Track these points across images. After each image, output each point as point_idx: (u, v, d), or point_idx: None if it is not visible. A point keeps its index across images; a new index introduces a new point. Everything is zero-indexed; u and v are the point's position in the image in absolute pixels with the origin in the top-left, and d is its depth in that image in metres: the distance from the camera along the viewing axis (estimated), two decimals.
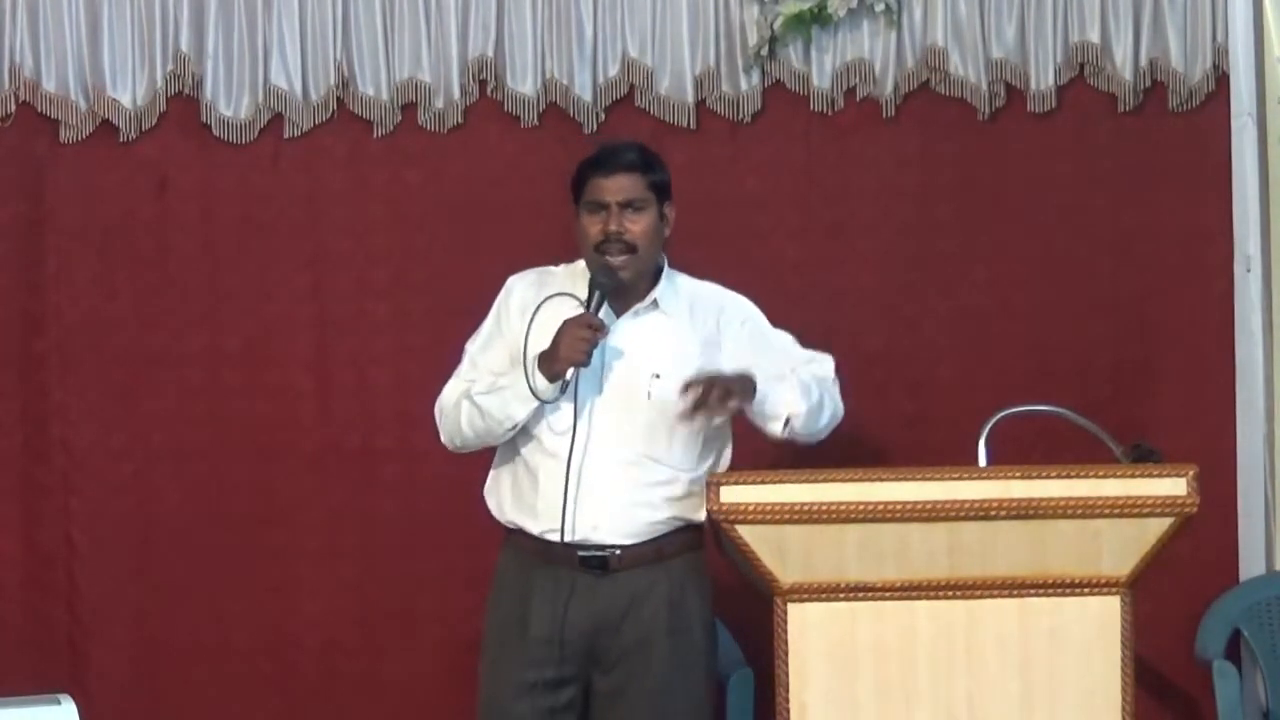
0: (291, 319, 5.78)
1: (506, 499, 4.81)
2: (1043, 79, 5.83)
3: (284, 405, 5.77)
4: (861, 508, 4.69)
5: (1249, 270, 5.83)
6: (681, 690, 4.78)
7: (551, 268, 4.88)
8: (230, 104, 5.73)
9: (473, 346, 4.87)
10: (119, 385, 5.77)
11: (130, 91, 5.71)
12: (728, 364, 4.77)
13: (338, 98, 5.75)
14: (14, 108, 5.70)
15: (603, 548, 4.72)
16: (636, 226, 4.72)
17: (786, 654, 4.73)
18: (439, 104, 5.76)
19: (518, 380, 4.68)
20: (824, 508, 4.68)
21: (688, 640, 4.79)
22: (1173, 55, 5.83)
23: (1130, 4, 5.82)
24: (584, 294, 4.70)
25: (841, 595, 4.73)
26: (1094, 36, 5.83)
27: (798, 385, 4.78)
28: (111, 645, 5.78)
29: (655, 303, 4.79)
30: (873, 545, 4.71)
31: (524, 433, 4.74)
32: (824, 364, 4.91)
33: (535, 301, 4.74)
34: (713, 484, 4.67)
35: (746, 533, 4.69)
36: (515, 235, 5.69)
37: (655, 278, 4.81)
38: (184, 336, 5.78)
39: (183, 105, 5.74)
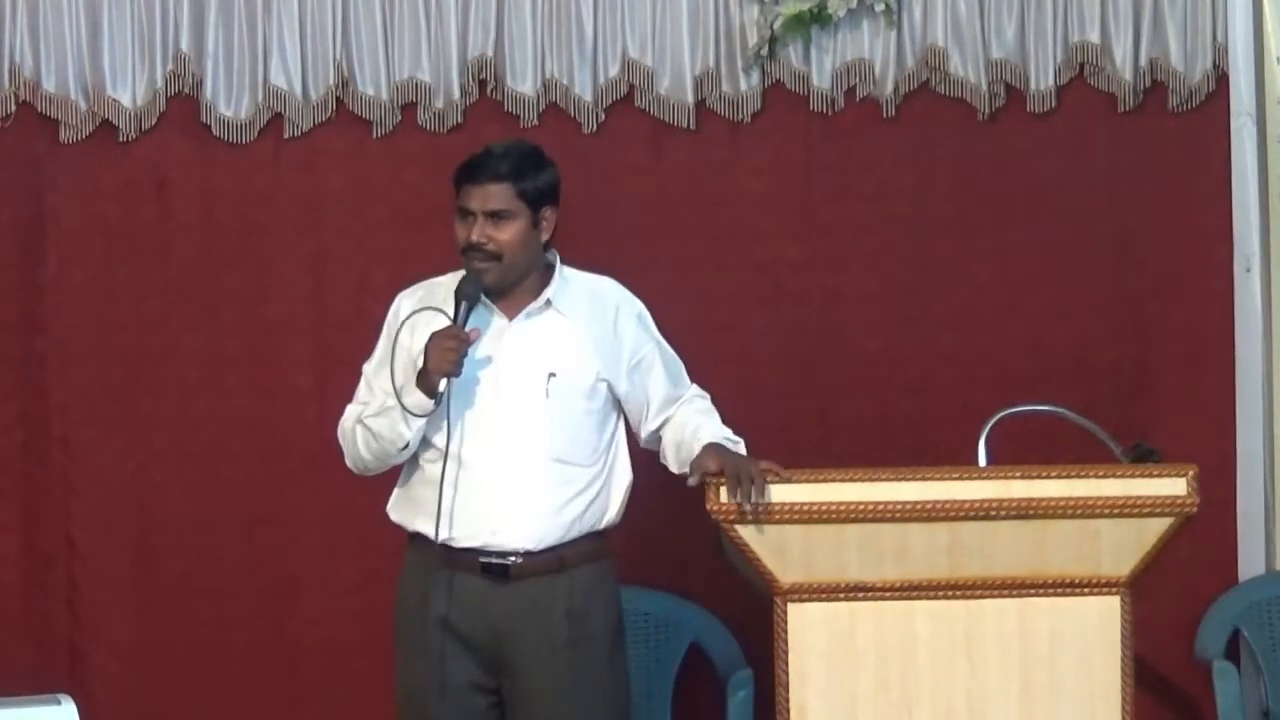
0: (291, 319, 5.79)
1: (407, 508, 4.79)
2: (1043, 79, 5.84)
3: (284, 405, 5.78)
4: (861, 508, 4.69)
5: (1249, 270, 5.83)
6: (585, 704, 4.71)
7: (438, 278, 4.84)
8: (230, 104, 5.73)
9: (368, 368, 4.86)
10: (119, 385, 5.77)
11: (130, 91, 5.71)
12: (627, 360, 4.78)
13: (337, 98, 5.75)
14: (14, 108, 5.70)
15: (503, 554, 4.69)
16: (503, 235, 4.68)
17: (786, 654, 4.74)
18: (439, 104, 5.76)
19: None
20: (824, 508, 4.69)
21: (589, 652, 4.72)
22: (1173, 55, 5.83)
23: (1130, 4, 5.82)
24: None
25: (841, 595, 4.73)
26: (1094, 36, 5.83)
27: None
28: (111, 645, 5.78)
29: (548, 302, 4.76)
30: (873, 545, 4.71)
31: (424, 443, 4.73)
32: (708, 406, 4.91)
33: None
34: (713, 484, 4.68)
35: (746, 533, 4.69)
36: None
37: (548, 276, 4.79)
38: (184, 336, 5.78)
39: (183, 105, 5.74)
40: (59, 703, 4.35)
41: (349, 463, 4.86)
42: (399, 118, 5.78)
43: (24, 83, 5.68)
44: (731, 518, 4.67)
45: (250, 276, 5.79)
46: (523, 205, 4.70)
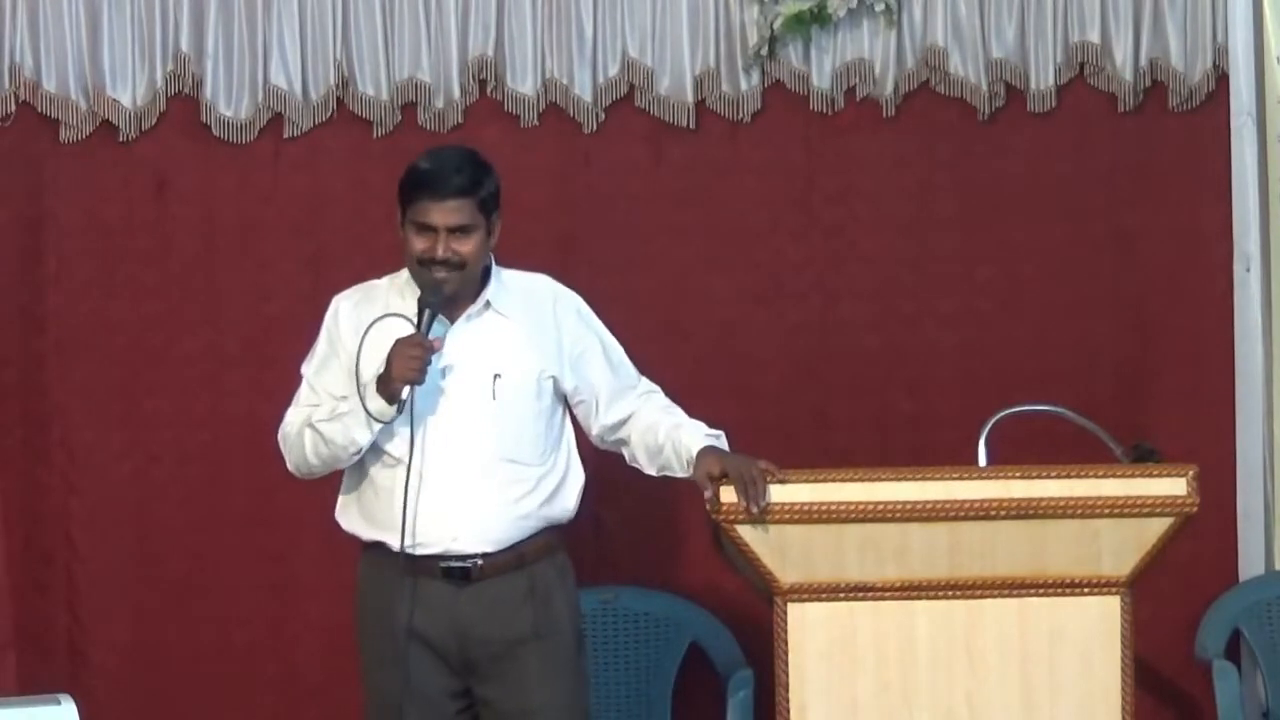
0: (291, 319, 5.77)
1: (360, 519, 4.81)
2: (1043, 79, 5.84)
3: (284, 405, 5.75)
4: (861, 508, 4.69)
5: (1249, 270, 5.83)
6: (557, 693, 4.73)
7: (375, 281, 4.84)
8: (230, 104, 5.73)
9: (309, 371, 4.85)
10: (119, 385, 5.77)
11: (130, 91, 5.71)
12: (567, 353, 4.77)
13: (338, 98, 5.75)
14: (14, 108, 5.70)
15: (464, 558, 4.69)
16: (465, 248, 4.66)
17: (786, 654, 4.74)
18: (439, 104, 5.76)
19: (357, 405, 4.66)
20: (824, 508, 4.69)
21: (556, 643, 4.74)
22: (1173, 55, 5.83)
23: (1130, 4, 5.82)
24: (411, 308, 4.66)
25: (841, 595, 4.73)
26: (1094, 36, 5.83)
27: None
28: (111, 645, 5.78)
29: (488, 304, 4.75)
30: (873, 545, 4.71)
31: (373, 451, 4.72)
32: (668, 403, 4.90)
33: (362, 319, 4.71)
34: (714, 484, 4.68)
35: (746, 533, 4.69)
36: (514, 235, 5.67)
37: (484, 279, 4.77)
38: (184, 336, 5.78)
39: (183, 105, 5.74)
40: (59, 703, 4.36)
41: (291, 467, 4.86)
42: (399, 118, 5.78)
43: (24, 83, 5.68)
44: (733, 518, 4.67)
45: (250, 276, 5.79)
46: (482, 217, 4.69)
